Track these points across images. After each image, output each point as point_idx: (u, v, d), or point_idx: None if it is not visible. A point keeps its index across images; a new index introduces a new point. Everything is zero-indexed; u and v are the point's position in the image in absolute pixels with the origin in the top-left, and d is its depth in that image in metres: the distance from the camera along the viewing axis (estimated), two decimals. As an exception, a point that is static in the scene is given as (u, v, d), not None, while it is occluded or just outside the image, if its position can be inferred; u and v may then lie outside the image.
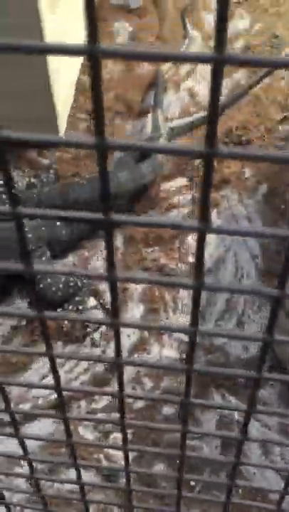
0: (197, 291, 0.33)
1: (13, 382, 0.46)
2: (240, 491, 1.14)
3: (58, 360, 1.34)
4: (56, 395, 0.44)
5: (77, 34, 1.73)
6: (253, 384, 0.40)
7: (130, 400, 1.26)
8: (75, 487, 1.15)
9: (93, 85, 0.24)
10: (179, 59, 0.23)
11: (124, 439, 0.49)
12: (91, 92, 0.24)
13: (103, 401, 1.27)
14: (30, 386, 0.46)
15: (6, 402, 0.48)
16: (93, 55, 0.23)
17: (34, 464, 0.59)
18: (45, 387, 0.45)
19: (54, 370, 0.43)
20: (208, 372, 0.41)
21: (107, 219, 0.30)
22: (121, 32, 1.98)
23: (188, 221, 0.29)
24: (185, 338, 1.37)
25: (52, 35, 1.49)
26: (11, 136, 0.26)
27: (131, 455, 1.12)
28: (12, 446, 1.21)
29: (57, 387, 0.44)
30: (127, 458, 0.52)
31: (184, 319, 1.41)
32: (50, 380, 1.32)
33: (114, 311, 0.36)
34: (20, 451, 1.19)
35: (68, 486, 1.16)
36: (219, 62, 0.23)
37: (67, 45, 0.23)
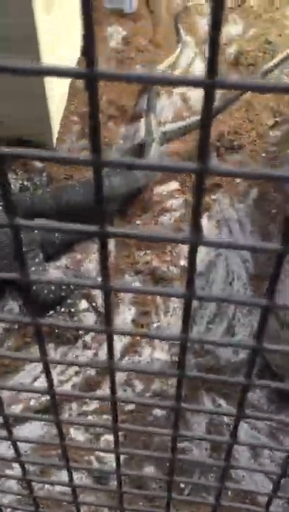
0: (188, 301, 0.34)
1: (7, 387, 0.47)
2: (229, 493, 1.15)
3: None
4: (48, 397, 0.45)
5: (72, 34, 1.75)
6: (242, 389, 0.41)
7: (121, 402, 1.27)
8: (66, 489, 1.16)
9: (90, 106, 0.25)
10: (173, 82, 0.25)
11: (116, 442, 0.50)
12: (88, 112, 0.25)
13: (94, 403, 1.28)
14: (24, 390, 0.47)
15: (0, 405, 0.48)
16: (90, 78, 0.24)
17: (26, 466, 0.60)
18: (39, 391, 0.46)
19: (47, 373, 0.44)
20: (199, 377, 0.42)
21: (102, 231, 0.32)
22: (114, 36, 2.00)
23: (180, 234, 0.30)
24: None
25: (47, 36, 1.51)
26: (12, 153, 0.27)
27: (122, 457, 1.13)
28: (1, 448, 1.22)
29: (50, 390, 0.45)
30: (118, 460, 0.53)
31: (175, 321, 1.42)
32: (42, 381, 1.32)
33: (107, 318, 0.37)
34: (10, 453, 1.19)
35: (59, 488, 1.16)
36: (210, 86, 0.24)
37: (65, 68, 0.25)
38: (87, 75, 0.24)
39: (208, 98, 0.24)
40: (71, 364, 0.41)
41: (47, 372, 0.43)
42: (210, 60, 0.24)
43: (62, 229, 0.33)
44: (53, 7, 1.56)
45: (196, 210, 0.29)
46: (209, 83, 0.24)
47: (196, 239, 0.31)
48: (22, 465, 0.57)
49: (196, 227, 0.30)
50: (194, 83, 0.24)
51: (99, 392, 1.30)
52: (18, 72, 0.25)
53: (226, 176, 0.27)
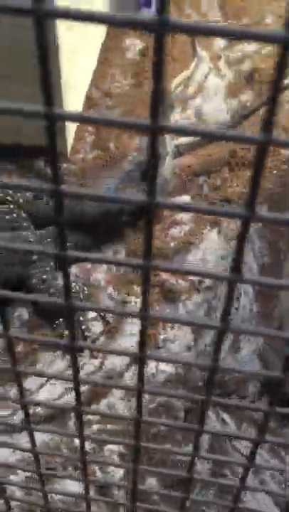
0: (222, 332, 0.36)
1: (36, 401, 0.49)
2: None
3: (56, 367, 1.37)
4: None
5: (90, 46, 1.77)
6: (264, 417, 0.43)
7: (124, 412, 1.28)
8: (65, 497, 1.17)
9: (151, 155, 0.27)
10: (225, 139, 0.26)
11: (136, 459, 0.51)
12: (149, 162, 0.27)
13: (99, 412, 1.30)
14: (52, 407, 0.49)
15: (27, 421, 0.50)
16: (155, 131, 0.26)
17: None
18: (66, 407, 0.48)
19: (77, 392, 0.45)
20: (223, 403, 0.43)
21: (146, 265, 0.33)
22: (132, 48, 2.02)
23: (222, 273, 0.32)
24: (181, 352, 1.39)
25: (67, 51, 1.53)
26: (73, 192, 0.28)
27: (125, 469, 1.14)
28: (4, 452, 1.23)
29: (77, 407, 0.47)
30: (135, 475, 0.55)
31: (181, 334, 1.44)
32: (47, 388, 1.34)
33: (141, 344, 0.39)
34: (13, 458, 1.19)
35: (59, 496, 1.17)
36: (264, 144, 0.26)
37: (133, 120, 0.26)
38: (151, 128, 0.26)
39: (262, 155, 0.26)
40: (102, 386, 0.42)
41: (76, 391, 0.45)
42: (267, 121, 0.25)
43: (105, 260, 0.35)
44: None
45: (239, 253, 0.31)
46: (264, 141, 0.26)
47: (235, 277, 0.33)
48: (40, 476, 0.59)
49: (237, 267, 0.32)
50: (248, 140, 0.26)
51: (104, 402, 1.31)
52: (91, 122, 0.26)
53: (272, 223, 0.29)
